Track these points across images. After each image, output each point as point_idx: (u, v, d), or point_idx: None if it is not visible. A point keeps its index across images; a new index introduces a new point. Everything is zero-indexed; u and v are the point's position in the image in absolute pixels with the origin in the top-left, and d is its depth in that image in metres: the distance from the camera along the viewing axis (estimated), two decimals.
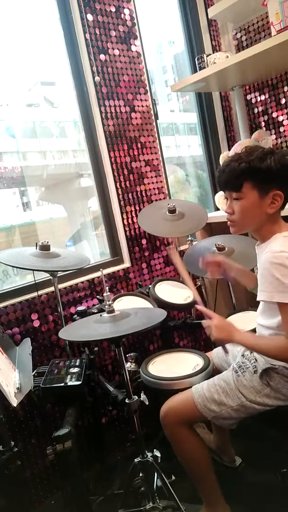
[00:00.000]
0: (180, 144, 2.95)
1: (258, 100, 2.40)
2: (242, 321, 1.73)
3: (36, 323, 1.70)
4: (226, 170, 1.20)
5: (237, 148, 2.13)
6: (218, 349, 1.57)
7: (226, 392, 1.28)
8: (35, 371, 1.42)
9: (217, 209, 2.42)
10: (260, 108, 2.41)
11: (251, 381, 1.27)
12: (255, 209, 1.19)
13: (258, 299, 1.18)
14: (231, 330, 1.23)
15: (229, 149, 2.50)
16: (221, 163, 2.28)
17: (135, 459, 1.39)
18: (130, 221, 2.04)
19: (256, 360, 1.31)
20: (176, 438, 1.34)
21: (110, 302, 1.32)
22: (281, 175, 1.15)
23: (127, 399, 1.33)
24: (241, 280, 1.47)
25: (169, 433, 1.35)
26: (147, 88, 2.12)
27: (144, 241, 2.10)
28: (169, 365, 1.54)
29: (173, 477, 1.58)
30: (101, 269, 1.65)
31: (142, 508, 1.36)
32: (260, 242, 1.27)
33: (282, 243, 1.16)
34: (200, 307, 1.32)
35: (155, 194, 2.15)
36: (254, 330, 1.41)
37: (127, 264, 2.05)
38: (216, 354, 1.56)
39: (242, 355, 1.35)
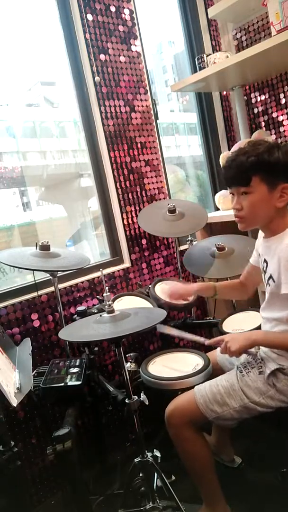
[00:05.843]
0: (180, 144, 2.95)
1: (258, 100, 2.40)
2: (243, 321, 1.72)
3: (36, 323, 1.70)
4: (233, 165, 1.19)
5: (237, 148, 2.13)
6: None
7: (228, 393, 1.27)
8: (35, 371, 1.42)
9: (217, 209, 2.42)
10: (260, 108, 2.41)
11: (255, 381, 1.26)
12: (264, 203, 1.17)
13: (283, 291, 1.15)
14: (244, 335, 1.24)
15: (229, 149, 2.50)
16: (221, 163, 2.29)
17: (135, 459, 1.39)
18: (130, 221, 2.04)
19: (262, 360, 1.29)
20: (180, 438, 1.34)
21: (110, 302, 1.32)
22: None
23: (127, 399, 1.33)
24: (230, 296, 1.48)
25: (174, 433, 1.34)
26: (147, 88, 2.12)
27: (144, 241, 2.10)
28: (169, 365, 1.54)
29: (173, 477, 1.59)
30: (101, 269, 1.64)
31: (142, 508, 1.35)
32: (268, 235, 1.26)
33: None
34: (208, 341, 1.32)
35: (155, 194, 2.15)
36: (256, 330, 1.41)
37: (127, 264, 2.05)
38: (219, 353, 1.55)
39: (248, 354, 1.32)
